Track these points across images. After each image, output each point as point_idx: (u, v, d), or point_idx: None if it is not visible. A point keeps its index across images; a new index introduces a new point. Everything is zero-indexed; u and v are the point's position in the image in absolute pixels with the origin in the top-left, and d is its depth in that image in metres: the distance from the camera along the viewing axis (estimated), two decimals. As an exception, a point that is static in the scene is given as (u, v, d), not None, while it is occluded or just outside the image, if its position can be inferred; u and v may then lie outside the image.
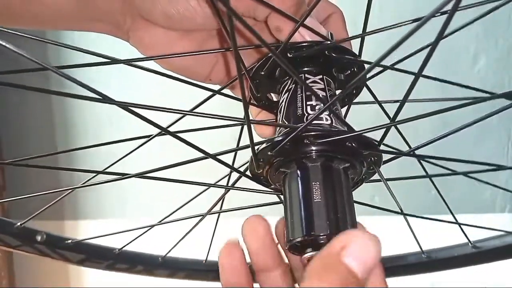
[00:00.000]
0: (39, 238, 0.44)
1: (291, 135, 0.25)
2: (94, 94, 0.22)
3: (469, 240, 0.43)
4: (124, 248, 0.49)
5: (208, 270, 0.53)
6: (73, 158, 0.89)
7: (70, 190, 0.44)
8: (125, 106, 0.24)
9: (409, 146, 0.37)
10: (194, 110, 0.31)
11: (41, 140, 0.93)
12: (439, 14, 0.17)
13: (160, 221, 0.46)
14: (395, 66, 0.29)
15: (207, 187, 0.39)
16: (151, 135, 0.35)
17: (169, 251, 0.49)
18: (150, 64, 0.32)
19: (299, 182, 0.26)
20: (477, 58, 0.90)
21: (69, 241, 0.45)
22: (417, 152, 0.29)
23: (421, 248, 0.46)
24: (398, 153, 0.28)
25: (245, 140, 0.36)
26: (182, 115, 0.31)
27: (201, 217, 0.39)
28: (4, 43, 0.19)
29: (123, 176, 0.33)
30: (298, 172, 0.26)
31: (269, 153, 0.27)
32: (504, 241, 0.41)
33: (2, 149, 0.93)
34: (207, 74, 0.35)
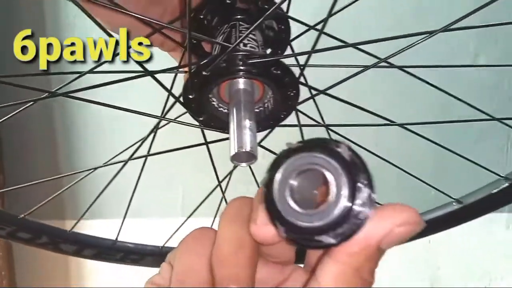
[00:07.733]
0: None
1: (226, 52, 0.29)
2: None
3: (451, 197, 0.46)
4: (29, 218, 0.46)
5: (118, 251, 0.51)
6: (74, 160, 0.88)
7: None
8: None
9: (323, 120, 0.41)
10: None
11: (41, 140, 0.91)
12: None
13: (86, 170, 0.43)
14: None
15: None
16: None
17: (79, 220, 0.47)
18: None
19: None
20: (477, 58, 0.88)
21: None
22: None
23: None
24: (318, 91, 0.33)
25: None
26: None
27: (123, 163, 0.39)
28: None
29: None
30: None
31: (204, 73, 0.30)
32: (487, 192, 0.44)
33: (2, 149, 0.90)
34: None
